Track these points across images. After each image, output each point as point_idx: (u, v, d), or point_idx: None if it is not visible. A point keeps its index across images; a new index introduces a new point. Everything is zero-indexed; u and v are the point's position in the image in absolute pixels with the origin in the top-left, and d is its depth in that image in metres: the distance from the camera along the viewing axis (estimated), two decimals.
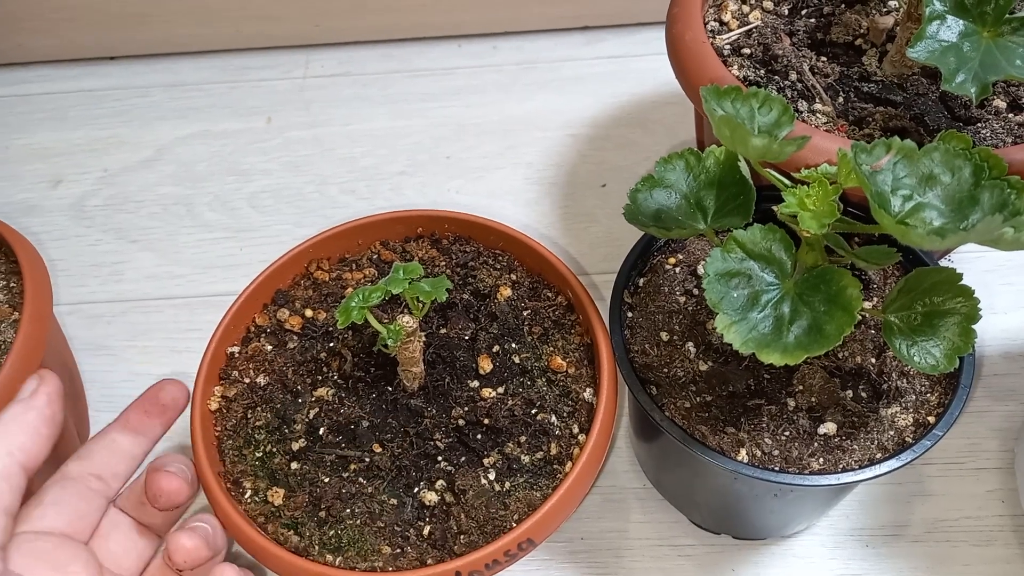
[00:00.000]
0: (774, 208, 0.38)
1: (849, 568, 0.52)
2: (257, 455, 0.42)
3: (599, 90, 0.77)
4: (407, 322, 0.40)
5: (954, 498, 0.54)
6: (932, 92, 0.51)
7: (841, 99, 0.51)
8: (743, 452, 0.42)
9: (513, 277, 0.48)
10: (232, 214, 0.71)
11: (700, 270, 0.48)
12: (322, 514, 0.40)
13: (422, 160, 0.73)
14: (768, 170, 0.37)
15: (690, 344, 0.46)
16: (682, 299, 0.48)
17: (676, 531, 0.53)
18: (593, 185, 0.71)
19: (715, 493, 0.48)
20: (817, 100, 0.51)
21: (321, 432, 0.43)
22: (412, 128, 0.76)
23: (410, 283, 0.40)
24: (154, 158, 0.75)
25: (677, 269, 0.49)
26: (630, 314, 0.47)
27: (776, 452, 0.42)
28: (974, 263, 0.63)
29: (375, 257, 0.49)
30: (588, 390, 0.43)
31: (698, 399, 0.44)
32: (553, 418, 0.43)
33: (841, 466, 0.41)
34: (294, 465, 0.42)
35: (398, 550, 0.39)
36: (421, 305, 0.41)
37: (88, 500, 0.40)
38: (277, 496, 0.41)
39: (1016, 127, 0.49)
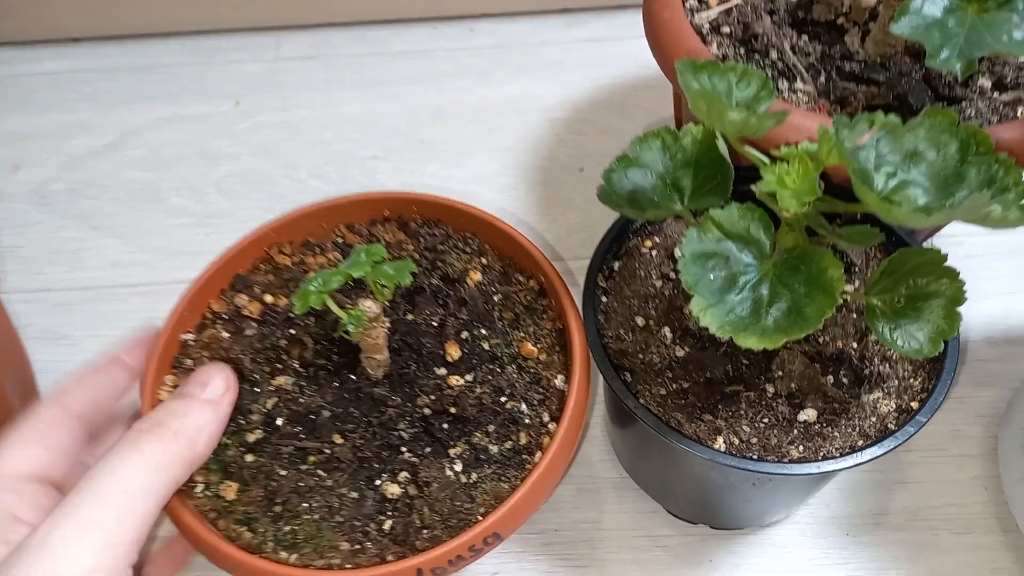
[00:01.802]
0: (753, 188, 0.36)
1: (829, 557, 0.51)
2: None
3: (578, 74, 0.75)
4: (369, 307, 0.38)
5: (936, 485, 0.53)
6: (915, 71, 0.49)
7: (823, 78, 0.50)
8: (720, 440, 0.40)
9: (484, 261, 0.46)
10: (199, 199, 0.69)
11: (677, 253, 0.46)
12: (277, 509, 0.38)
13: (396, 144, 0.71)
14: (747, 148, 0.36)
15: (666, 329, 0.44)
16: (658, 283, 0.46)
17: (652, 521, 0.52)
18: (571, 170, 0.69)
19: (692, 482, 0.46)
20: (798, 79, 0.49)
21: (279, 423, 0.41)
22: (386, 112, 0.73)
23: (373, 266, 0.38)
24: (119, 142, 0.73)
25: (653, 252, 0.47)
26: (604, 299, 0.45)
27: (754, 440, 0.40)
28: (956, 248, 0.61)
29: (340, 241, 0.47)
30: (559, 377, 0.42)
31: (674, 386, 0.43)
32: (523, 406, 0.41)
33: (822, 454, 0.40)
34: (249, 458, 0.40)
35: (357, 546, 0.38)
36: (384, 289, 0.39)
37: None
38: (230, 490, 0.39)
39: (1002, 106, 0.47)
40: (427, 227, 0.47)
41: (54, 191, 0.70)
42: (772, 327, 0.33)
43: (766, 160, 0.36)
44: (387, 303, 0.41)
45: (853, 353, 0.43)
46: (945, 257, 0.36)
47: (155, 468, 0.35)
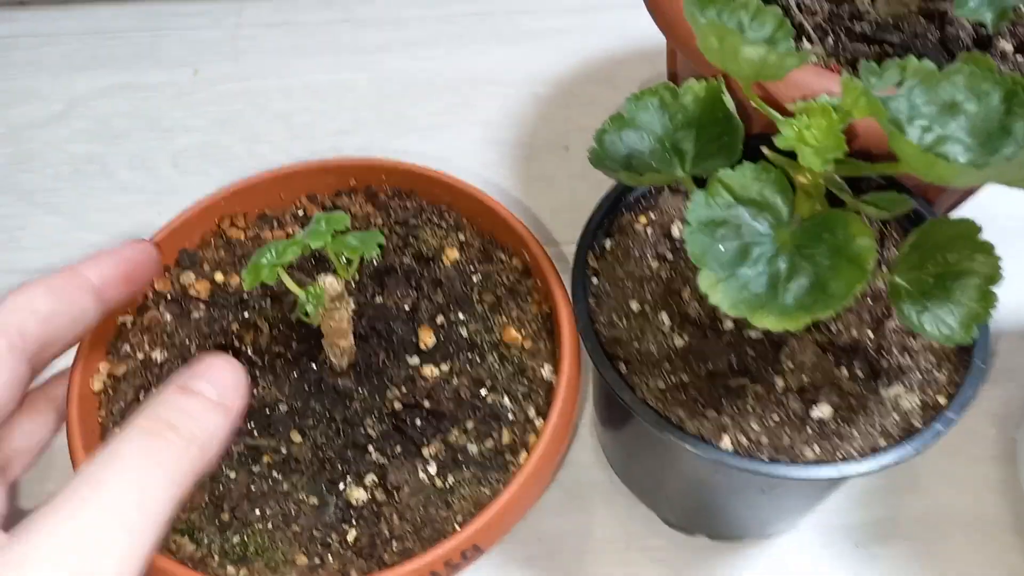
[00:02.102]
0: (764, 150, 0.32)
1: (837, 570, 0.46)
2: None
3: (563, 45, 0.70)
4: (330, 283, 0.33)
5: (949, 490, 0.49)
6: (931, 32, 0.45)
7: (831, 40, 0.45)
8: (726, 439, 0.36)
9: (461, 237, 0.41)
10: (152, 175, 0.64)
11: (675, 231, 0.42)
12: (225, 516, 0.34)
13: (365, 118, 0.66)
14: (760, 101, 0.31)
15: (664, 315, 0.40)
16: (654, 264, 0.41)
17: (646, 531, 0.47)
18: (556, 147, 0.64)
19: (692, 487, 0.42)
20: (804, 39, 0.45)
21: None
22: (355, 83, 0.68)
23: (334, 236, 0.33)
24: (65, 112, 0.67)
25: (648, 230, 0.42)
26: (595, 280, 0.41)
27: (764, 439, 0.36)
28: None
29: (300, 214, 0.43)
30: (546, 367, 0.37)
31: (673, 379, 0.38)
32: (506, 399, 0.36)
33: (840, 455, 0.35)
34: None
35: (316, 560, 0.33)
36: (348, 265, 0.34)
37: None
38: None
39: None
40: (398, 199, 0.43)
41: None
42: (793, 305, 0.29)
43: (779, 117, 0.31)
44: (352, 281, 0.36)
45: (869, 343, 0.39)
46: (979, 229, 0.32)
47: (169, 483, 0.27)
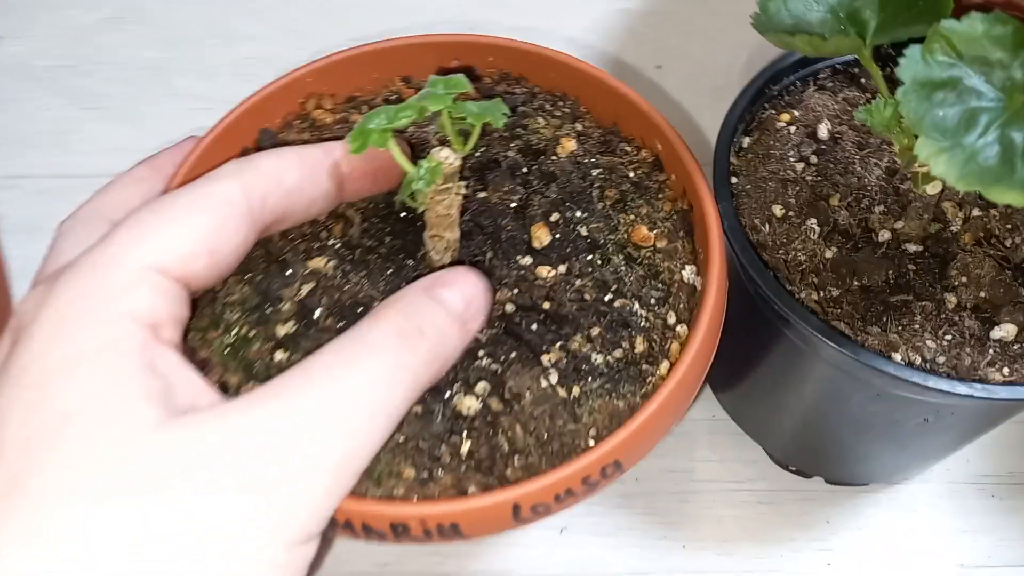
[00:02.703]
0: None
1: (970, 522, 0.41)
2: (228, 340, 0.31)
3: None
4: (446, 157, 0.29)
5: None
6: None
7: None
8: (897, 357, 0.31)
9: (579, 127, 0.36)
10: (210, 82, 0.59)
11: (821, 131, 0.37)
12: None
13: (442, 27, 0.61)
14: None
15: (813, 222, 0.34)
16: (799, 166, 0.36)
17: (755, 472, 0.43)
18: (647, 67, 0.59)
19: (832, 418, 0.37)
20: None
21: (317, 315, 0.31)
22: None
23: (455, 102, 0.29)
24: (118, 16, 0.62)
25: (792, 128, 0.37)
26: (734, 179, 0.35)
27: (941, 359, 0.31)
28: None
29: (394, 98, 0.38)
30: (688, 268, 0.32)
31: (823, 292, 0.33)
32: (636, 305, 0.31)
33: None
34: (279, 355, 0.30)
35: (425, 473, 0.28)
36: (465, 138, 0.29)
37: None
38: None
39: None
40: (506, 83, 0.37)
41: (40, 66, 0.60)
42: None
43: None
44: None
45: None
46: None
47: (410, 389, 0.26)
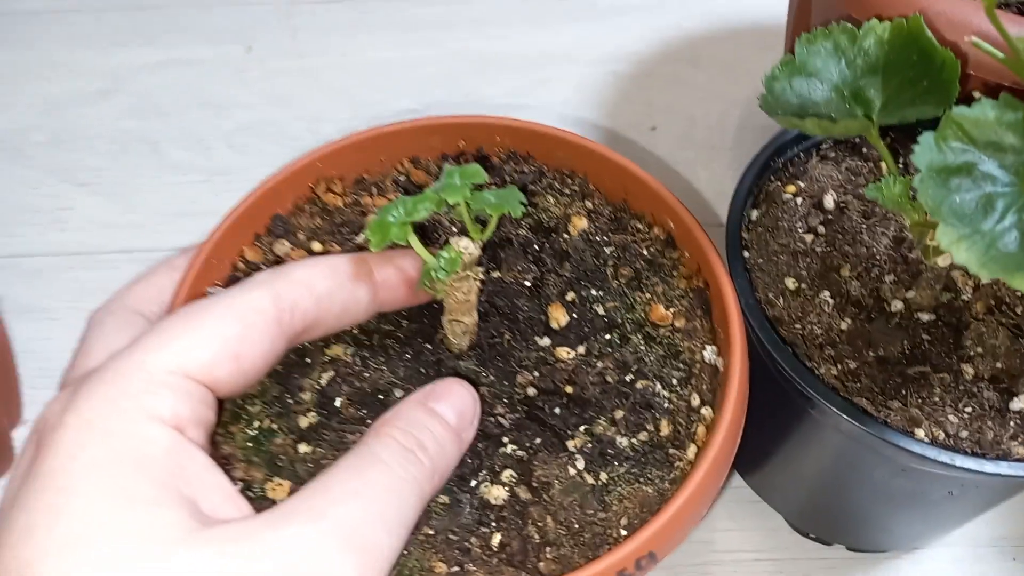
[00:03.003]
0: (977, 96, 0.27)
1: None
2: (250, 433, 0.30)
3: (642, 22, 0.66)
4: (466, 247, 0.29)
5: None
6: None
7: None
8: (921, 433, 0.31)
9: (589, 205, 0.36)
10: (205, 154, 0.59)
11: (827, 202, 0.37)
12: None
13: (436, 96, 0.62)
14: (1001, 25, 0.26)
15: (826, 294, 0.35)
16: (808, 237, 0.37)
17: (776, 541, 0.42)
18: (641, 127, 0.60)
19: (854, 490, 0.37)
20: None
21: (338, 403, 0.31)
22: (423, 59, 0.64)
23: (472, 192, 0.29)
24: (111, 88, 0.63)
25: (798, 200, 0.38)
26: (746, 254, 0.36)
27: (964, 434, 0.31)
28: None
29: (403, 179, 0.38)
30: (708, 348, 0.32)
31: (840, 365, 0.33)
32: (658, 386, 0.31)
33: None
34: (302, 448, 0.30)
35: (456, 567, 0.28)
36: (482, 227, 0.30)
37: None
38: (280, 491, 0.29)
39: None
40: (513, 162, 0.38)
41: (33, 142, 0.59)
42: None
43: (1000, 53, 0.27)
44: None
45: None
46: None
47: (416, 502, 0.26)
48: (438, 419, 0.28)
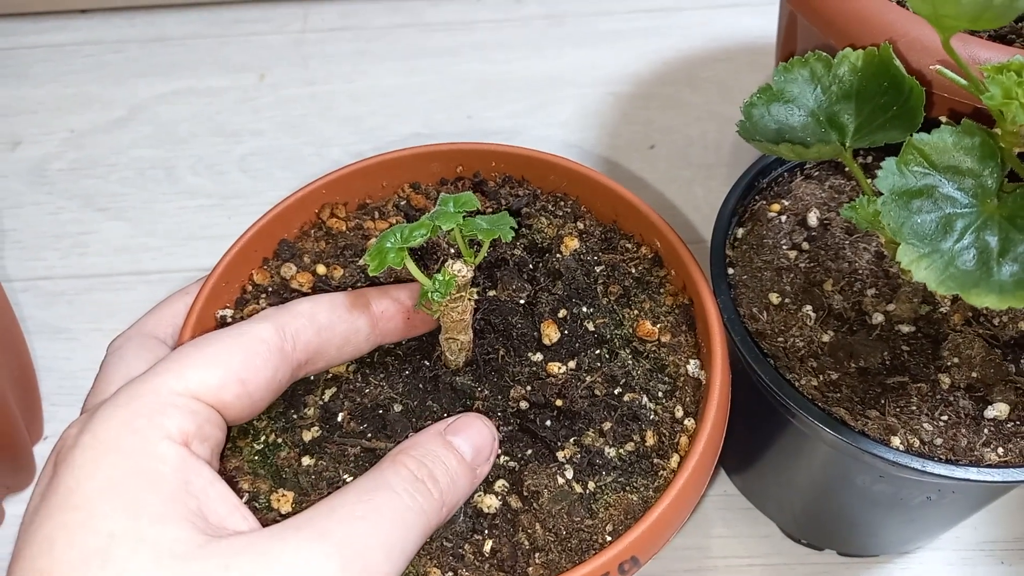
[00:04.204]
0: (944, 121, 0.29)
1: None
2: (256, 447, 0.32)
3: (639, 45, 0.68)
4: (459, 269, 0.30)
5: None
6: None
7: None
8: (896, 441, 0.32)
9: (580, 226, 0.38)
10: (219, 179, 0.61)
11: (811, 219, 0.39)
12: None
13: (439, 120, 0.64)
14: (958, 57, 0.28)
15: (808, 308, 0.36)
16: (791, 254, 0.38)
17: (769, 547, 0.44)
18: (640, 147, 0.62)
19: (840, 496, 0.38)
20: None
21: (340, 418, 0.33)
22: (427, 85, 0.66)
23: (465, 218, 0.30)
24: (128, 117, 0.65)
25: (783, 218, 0.39)
26: (731, 271, 0.37)
27: (939, 441, 0.32)
28: None
29: (403, 203, 0.40)
30: (692, 362, 0.33)
31: (822, 376, 0.35)
32: (644, 399, 0.33)
33: None
34: (306, 461, 0.32)
35: (450, 573, 0.29)
36: (476, 249, 0.31)
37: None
38: (285, 501, 0.30)
39: None
40: (509, 186, 0.40)
41: (55, 170, 0.62)
42: (1012, 283, 0.25)
43: (963, 80, 0.28)
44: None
45: None
46: None
47: (422, 533, 0.27)
48: (454, 452, 0.29)
